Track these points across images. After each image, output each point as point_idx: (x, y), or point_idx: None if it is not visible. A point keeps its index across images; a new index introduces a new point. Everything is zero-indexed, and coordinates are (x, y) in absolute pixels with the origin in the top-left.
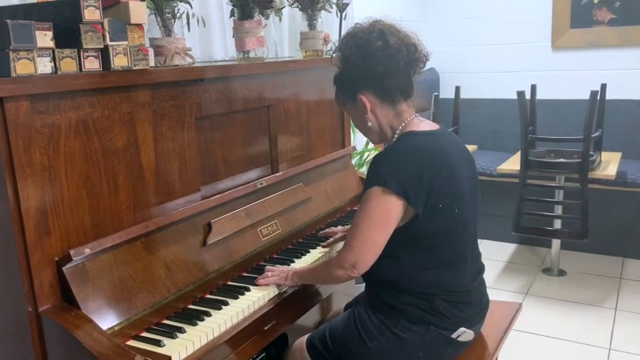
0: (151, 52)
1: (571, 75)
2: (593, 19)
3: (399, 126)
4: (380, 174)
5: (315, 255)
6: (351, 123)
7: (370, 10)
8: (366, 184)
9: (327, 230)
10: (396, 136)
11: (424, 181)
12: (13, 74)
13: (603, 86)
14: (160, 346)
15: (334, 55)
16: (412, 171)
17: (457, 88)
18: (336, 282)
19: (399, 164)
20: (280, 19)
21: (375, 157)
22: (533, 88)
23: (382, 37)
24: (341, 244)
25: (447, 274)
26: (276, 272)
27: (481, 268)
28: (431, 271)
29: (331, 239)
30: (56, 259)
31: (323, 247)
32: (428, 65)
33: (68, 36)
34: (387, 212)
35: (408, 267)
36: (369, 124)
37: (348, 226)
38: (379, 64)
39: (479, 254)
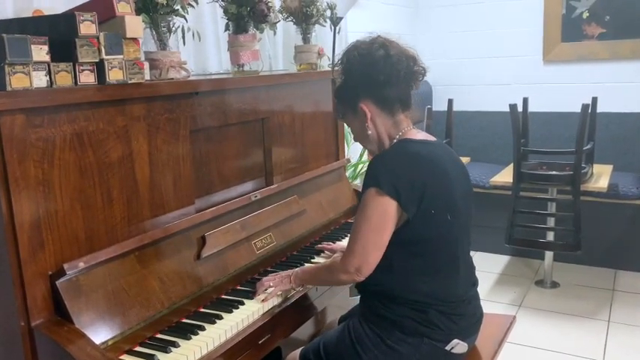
0: (146, 65)
1: (562, 88)
2: (583, 34)
3: (397, 135)
4: (374, 175)
5: None
6: (345, 135)
7: (363, 23)
8: (363, 186)
9: (325, 245)
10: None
11: (416, 185)
12: (9, 88)
13: (594, 99)
14: None
15: (335, 68)
16: (405, 174)
17: (450, 101)
18: (340, 285)
19: (392, 167)
20: (275, 33)
21: (371, 160)
22: (525, 100)
23: (384, 48)
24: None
25: (440, 282)
26: (277, 280)
27: (475, 282)
28: (424, 278)
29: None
30: (50, 272)
31: None
32: None
33: (64, 50)
34: (384, 213)
35: (402, 274)
36: (369, 132)
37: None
38: (381, 72)
39: (472, 267)
